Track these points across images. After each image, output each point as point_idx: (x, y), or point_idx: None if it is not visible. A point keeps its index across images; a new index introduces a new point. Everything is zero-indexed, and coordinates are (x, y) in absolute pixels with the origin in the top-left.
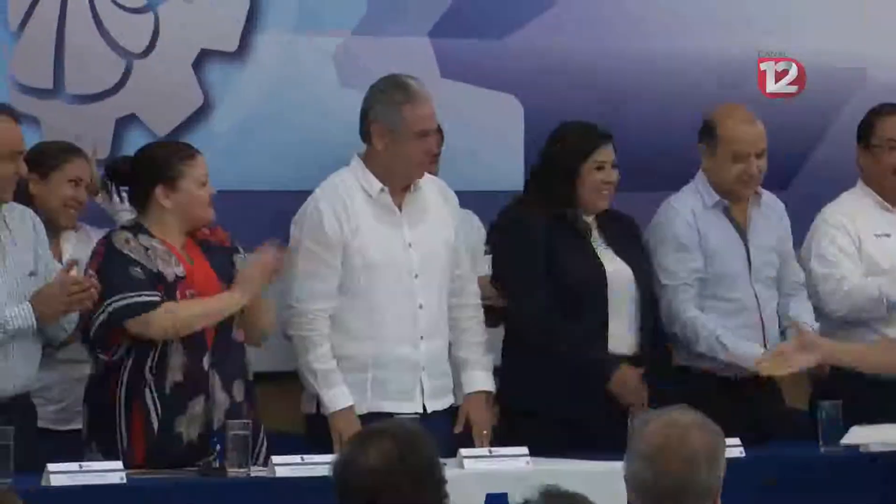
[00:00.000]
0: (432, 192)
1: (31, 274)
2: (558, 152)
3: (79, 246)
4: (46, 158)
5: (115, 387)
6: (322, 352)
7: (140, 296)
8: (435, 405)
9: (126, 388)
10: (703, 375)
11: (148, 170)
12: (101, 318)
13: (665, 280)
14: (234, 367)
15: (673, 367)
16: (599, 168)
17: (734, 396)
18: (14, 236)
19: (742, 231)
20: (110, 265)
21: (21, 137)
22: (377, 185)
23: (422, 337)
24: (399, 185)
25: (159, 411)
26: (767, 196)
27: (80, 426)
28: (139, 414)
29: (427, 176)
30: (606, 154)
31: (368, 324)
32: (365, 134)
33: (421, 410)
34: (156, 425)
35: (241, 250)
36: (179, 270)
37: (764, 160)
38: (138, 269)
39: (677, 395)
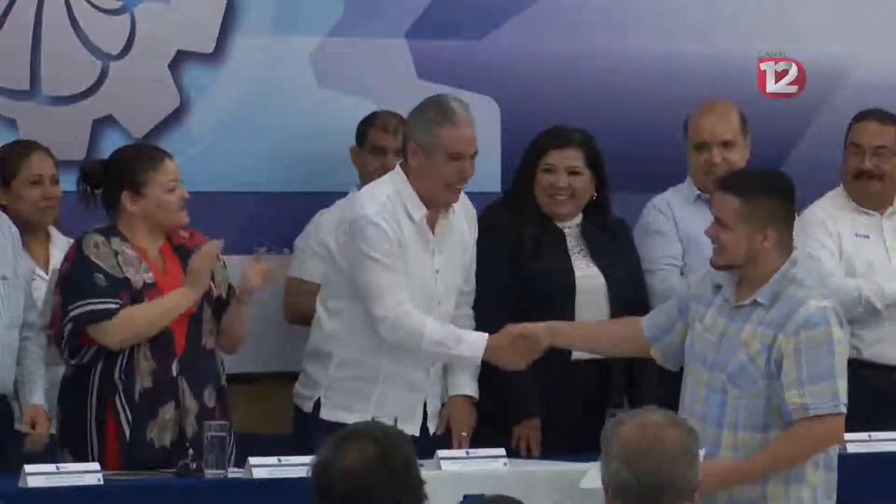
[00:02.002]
0: (461, 214)
1: (3, 278)
2: (522, 156)
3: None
4: (2, 167)
5: (86, 391)
6: (430, 325)
7: (100, 303)
8: (435, 426)
9: (97, 393)
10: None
11: (116, 174)
12: (68, 325)
13: (647, 266)
14: (205, 373)
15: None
16: (548, 171)
17: None
18: None
19: None
20: (76, 270)
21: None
22: (422, 209)
23: (433, 363)
24: (434, 206)
25: (130, 418)
26: None
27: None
28: (111, 419)
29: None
30: (558, 158)
31: (390, 343)
32: (403, 150)
33: (418, 433)
34: (127, 432)
35: (220, 257)
36: (148, 277)
37: (733, 153)
38: (101, 276)
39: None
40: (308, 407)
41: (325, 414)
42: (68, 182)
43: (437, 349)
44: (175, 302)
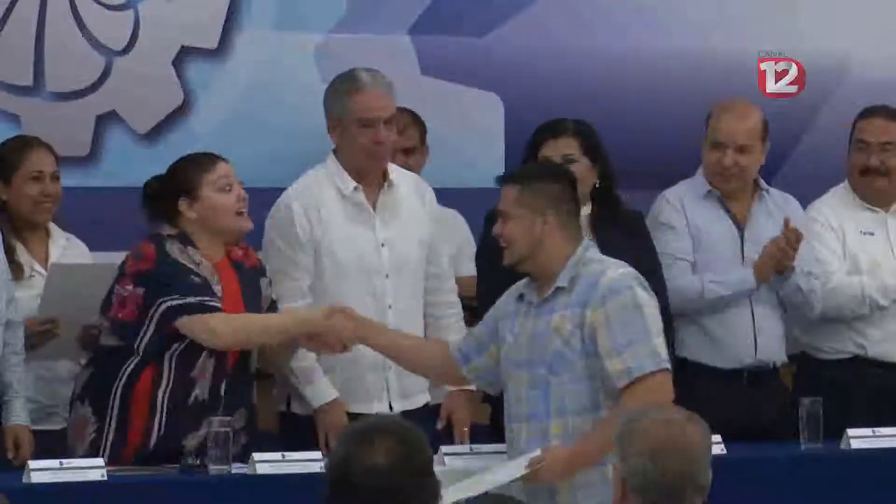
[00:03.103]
0: (408, 189)
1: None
2: (523, 151)
3: (67, 252)
4: (2, 162)
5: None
6: (300, 350)
7: (206, 300)
8: (404, 405)
9: (132, 385)
10: (702, 368)
11: (171, 184)
12: (161, 310)
13: (660, 261)
14: (241, 395)
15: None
16: None
17: (733, 390)
18: None
19: (739, 223)
20: (165, 268)
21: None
22: (351, 183)
23: None
24: (366, 180)
25: (166, 422)
26: (777, 194)
27: (53, 426)
28: (143, 417)
29: (404, 173)
30: (553, 148)
31: None
32: (328, 129)
33: (387, 410)
34: (158, 433)
35: (266, 272)
36: (218, 290)
37: (746, 158)
38: (195, 277)
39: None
40: (282, 406)
41: (295, 408)
42: (71, 178)
43: (292, 376)
44: (282, 325)
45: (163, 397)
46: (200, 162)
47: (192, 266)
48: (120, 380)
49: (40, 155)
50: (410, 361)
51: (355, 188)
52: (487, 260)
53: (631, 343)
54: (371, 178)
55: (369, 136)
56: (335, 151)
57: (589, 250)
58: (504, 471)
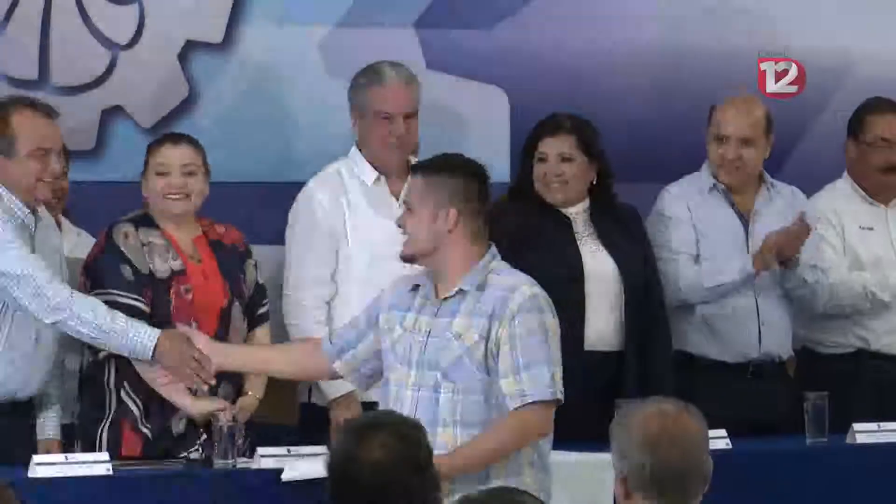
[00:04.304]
0: None
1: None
2: (522, 147)
3: (78, 246)
4: None
5: (104, 377)
6: None
7: (126, 297)
8: None
9: (115, 380)
10: (707, 363)
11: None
12: None
13: (661, 254)
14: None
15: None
16: (541, 160)
17: (738, 384)
18: (47, 244)
19: (744, 217)
20: (104, 257)
21: (58, 134)
22: (373, 174)
23: None
24: (388, 171)
25: (148, 407)
26: (784, 188)
27: (66, 420)
28: (128, 408)
29: None
30: (550, 145)
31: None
32: (352, 121)
33: None
34: (146, 420)
35: (251, 255)
36: (177, 265)
37: (749, 151)
38: (129, 269)
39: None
40: (304, 397)
41: (316, 398)
42: (78, 172)
43: None
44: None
45: (121, 386)
46: (152, 145)
47: (132, 254)
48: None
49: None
50: (278, 370)
51: (377, 179)
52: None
53: (531, 366)
54: (395, 170)
55: (387, 130)
56: (358, 144)
57: (496, 258)
58: None
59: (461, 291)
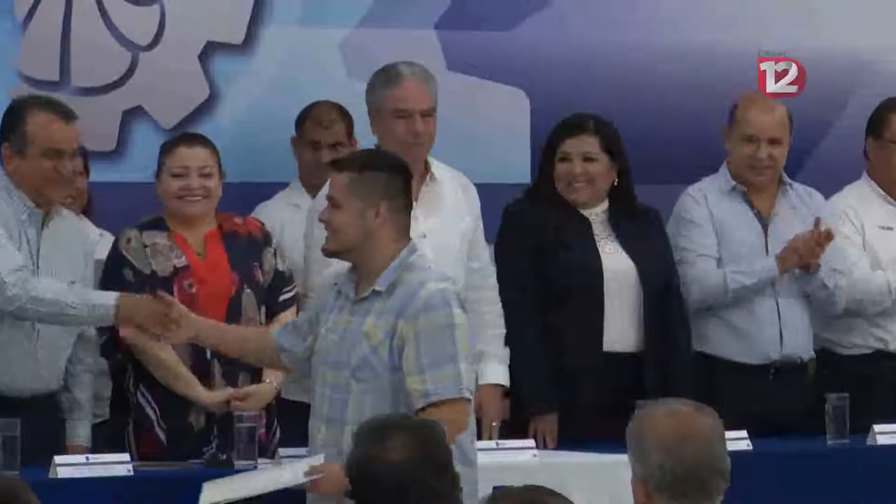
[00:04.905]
0: (451, 183)
1: (72, 283)
2: (542, 147)
3: (99, 247)
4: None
5: (125, 379)
6: None
7: None
8: None
9: (133, 378)
10: (729, 364)
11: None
12: None
13: (682, 257)
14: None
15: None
16: (564, 160)
17: (760, 385)
18: (59, 241)
19: (763, 218)
20: (108, 264)
21: (74, 136)
22: None
23: None
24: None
25: (163, 402)
26: (802, 189)
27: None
28: (146, 403)
29: (446, 168)
30: (573, 146)
31: None
32: (370, 122)
33: None
34: (162, 416)
35: (272, 243)
36: (180, 262)
37: (778, 150)
38: (130, 272)
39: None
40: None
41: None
42: (99, 173)
43: None
44: (180, 379)
45: (137, 388)
46: (165, 146)
47: (133, 257)
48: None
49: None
50: (237, 350)
51: None
52: (505, 254)
53: (436, 365)
54: (413, 171)
55: (405, 128)
56: (377, 145)
57: (414, 254)
58: (279, 476)
59: (375, 292)
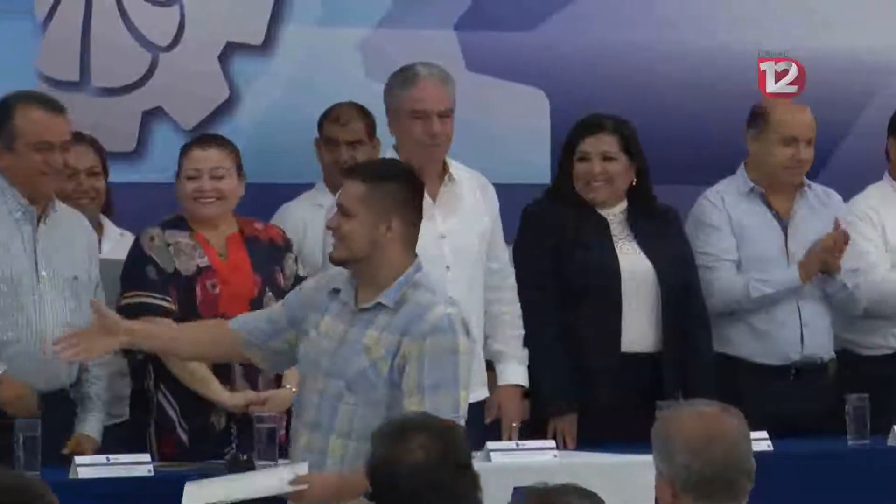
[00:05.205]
0: (469, 184)
1: (75, 278)
2: (561, 147)
3: (119, 247)
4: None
5: (146, 379)
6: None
7: (152, 297)
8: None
9: (154, 378)
10: (750, 365)
11: None
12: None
13: (702, 262)
14: None
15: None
16: (582, 159)
17: (780, 385)
18: (58, 237)
19: (782, 219)
20: (130, 262)
21: (61, 128)
22: None
23: None
24: (426, 172)
25: (182, 402)
26: (819, 189)
27: (106, 422)
28: (169, 405)
29: (465, 169)
30: (592, 145)
31: None
32: (388, 123)
33: None
34: (183, 417)
35: (293, 250)
36: (203, 262)
37: (811, 150)
38: (153, 269)
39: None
40: None
41: None
42: (119, 173)
43: None
44: (201, 380)
45: (158, 388)
46: (183, 148)
47: (157, 255)
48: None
49: (77, 152)
50: (190, 350)
51: None
52: (524, 254)
53: (437, 387)
54: (431, 172)
55: (422, 129)
56: (395, 146)
57: (420, 272)
58: (263, 482)
59: (379, 305)
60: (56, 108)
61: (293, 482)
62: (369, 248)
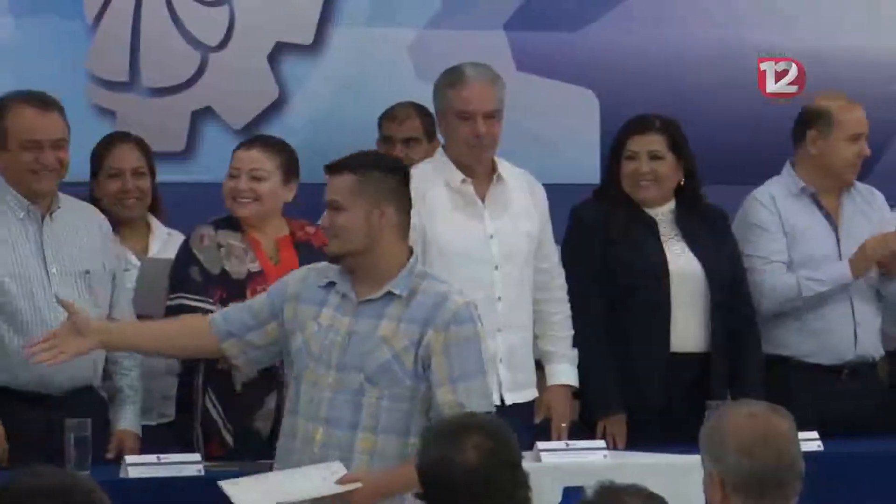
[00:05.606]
0: (518, 184)
1: (87, 272)
2: (610, 148)
3: (167, 246)
4: (92, 159)
5: (195, 379)
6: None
7: (193, 299)
8: (514, 398)
9: (202, 384)
10: (803, 365)
11: None
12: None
13: (753, 263)
14: None
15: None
16: (630, 158)
17: (833, 385)
18: (64, 233)
19: (832, 218)
20: (177, 262)
21: (50, 126)
22: (458, 175)
23: (499, 329)
24: (474, 173)
25: (229, 407)
26: (863, 187)
27: (149, 421)
28: (213, 408)
29: (514, 168)
30: (639, 144)
31: None
32: (436, 122)
33: (499, 402)
34: (229, 420)
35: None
36: (254, 266)
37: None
38: (197, 270)
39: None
40: None
41: None
42: (168, 173)
43: None
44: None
45: (206, 390)
46: (236, 147)
47: (204, 255)
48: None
49: (122, 152)
50: (164, 346)
51: (463, 180)
52: (573, 255)
53: (466, 377)
54: (480, 171)
55: (468, 130)
56: (444, 146)
57: (419, 262)
58: (307, 483)
59: (390, 294)
60: (47, 105)
61: (342, 481)
62: (366, 239)
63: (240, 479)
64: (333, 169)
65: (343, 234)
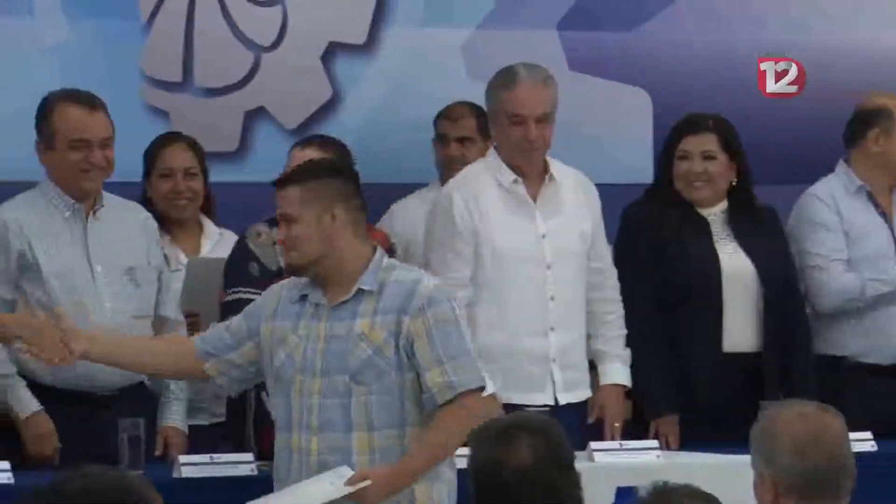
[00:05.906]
0: (570, 184)
1: (130, 269)
2: (662, 147)
3: (219, 246)
4: (145, 159)
5: None
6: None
7: (252, 293)
8: (568, 397)
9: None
10: (860, 365)
11: None
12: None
13: (811, 262)
14: None
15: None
16: (683, 158)
17: (890, 385)
18: (108, 230)
19: (886, 216)
20: (234, 258)
21: (98, 125)
22: (510, 175)
23: (552, 328)
24: (525, 173)
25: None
26: None
27: (200, 422)
28: (264, 410)
29: (566, 168)
30: (693, 143)
31: (497, 314)
32: (489, 123)
33: (552, 402)
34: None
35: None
36: None
37: None
38: (255, 265)
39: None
40: None
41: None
42: (221, 173)
43: None
44: None
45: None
46: (293, 146)
47: (261, 251)
48: None
49: (173, 152)
50: (152, 364)
51: (515, 181)
52: (625, 255)
53: (454, 357)
54: (532, 172)
55: (520, 132)
56: (496, 146)
57: (385, 256)
58: (318, 490)
59: (361, 291)
60: (94, 105)
61: (351, 481)
62: (323, 244)
63: (262, 498)
64: (280, 184)
65: (299, 244)
